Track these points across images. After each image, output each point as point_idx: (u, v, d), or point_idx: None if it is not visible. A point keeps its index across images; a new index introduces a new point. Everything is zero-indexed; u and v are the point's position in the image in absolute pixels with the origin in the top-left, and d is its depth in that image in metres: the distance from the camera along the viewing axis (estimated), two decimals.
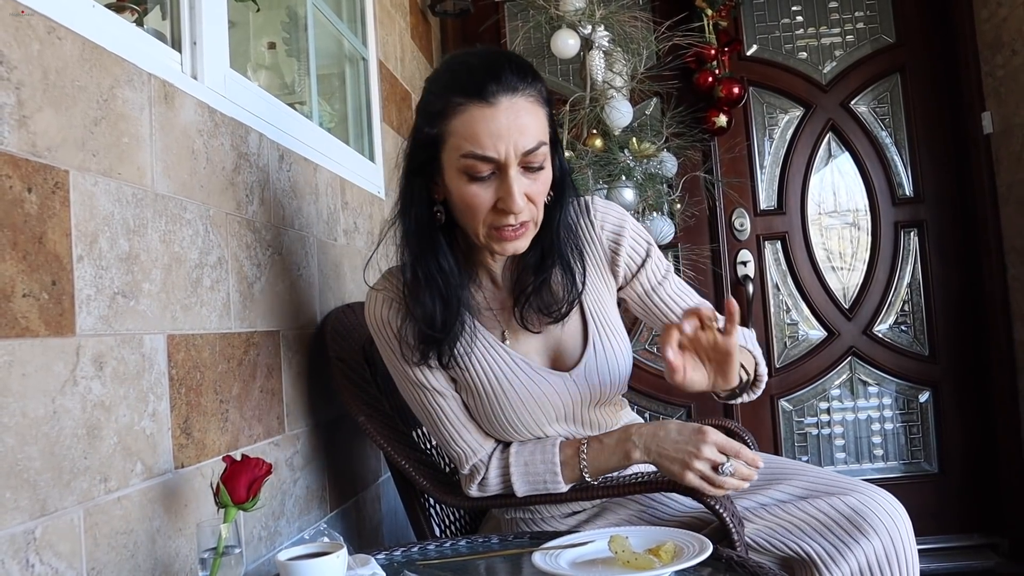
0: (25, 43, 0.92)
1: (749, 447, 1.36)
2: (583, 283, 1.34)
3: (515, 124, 1.18)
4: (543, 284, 1.32)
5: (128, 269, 1.08)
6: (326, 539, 1.04)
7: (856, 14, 3.11)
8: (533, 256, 1.31)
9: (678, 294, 1.42)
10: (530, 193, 1.22)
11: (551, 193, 1.29)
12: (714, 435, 1.23)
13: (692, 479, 1.22)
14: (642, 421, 1.45)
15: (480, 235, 1.25)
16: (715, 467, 1.21)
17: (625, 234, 1.39)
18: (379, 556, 1.21)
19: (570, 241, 1.33)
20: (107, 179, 1.05)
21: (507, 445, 1.38)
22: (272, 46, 2.17)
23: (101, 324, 1.02)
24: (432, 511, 1.64)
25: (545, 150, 1.22)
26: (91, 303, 1.00)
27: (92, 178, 1.02)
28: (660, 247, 2.53)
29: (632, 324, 3.05)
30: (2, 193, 0.87)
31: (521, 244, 1.26)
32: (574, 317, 1.38)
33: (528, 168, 1.21)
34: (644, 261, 1.40)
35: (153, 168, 1.16)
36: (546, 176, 1.25)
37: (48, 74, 0.96)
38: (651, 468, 1.43)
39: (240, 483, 1.07)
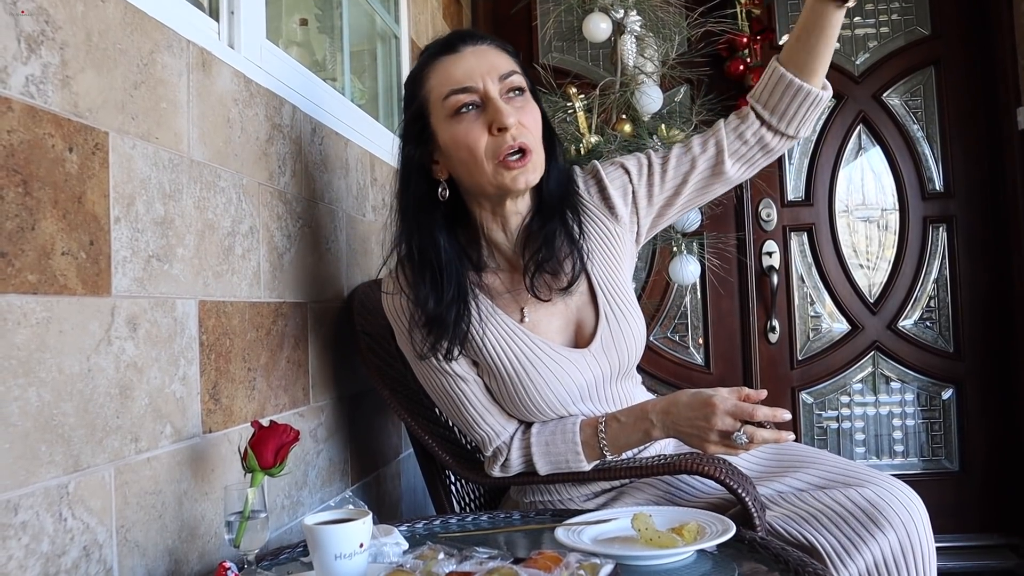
0: (70, 4, 0.93)
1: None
2: (581, 241, 1.36)
3: (483, 60, 1.28)
4: (548, 239, 1.33)
5: (163, 233, 1.09)
6: (351, 506, 1.04)
7: (891, 5, 3.06)
8: (533, 213, 1.35)
9: (683, 154, 1.42)
10: (521, 119, 1.26)
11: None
12: (724, 403, 1.20)
13: (713, 449, 1.22)
14: (654, 397, 1.44)
15: (489, 175, 1.26)
16: (729, 434, 1.20)
17: (601, 174, 1.44)
18: (401, 528, 1.21)
19: (567, 196, 1.37)
20: (145, 143, 1.06)
21: (528, 426, 1.38)
22: (304, 22, 2.17)
23: (136, 286, 1.03)
24: (453, 488, 1.64)
25: (521, 79, 1.30)
26: (127, 265, 1.02)
27: (131, 141, 1.03)
28: (686, 234, 2.54)
29: (657, 308, 3.05)
30: (44, 151, 0.88)
31: (531, 175, 1.28)
32: (584, 291, 1.38)
33: (511, 92, 1.28)
34: (630, 174, 1.43)
35: (189, 134, 1.16)
36: (532, 108, 1.30)
37: (91, 36, 0.96)
38: (670, 446, 1.43)
39: (268, 448, 1.09)
